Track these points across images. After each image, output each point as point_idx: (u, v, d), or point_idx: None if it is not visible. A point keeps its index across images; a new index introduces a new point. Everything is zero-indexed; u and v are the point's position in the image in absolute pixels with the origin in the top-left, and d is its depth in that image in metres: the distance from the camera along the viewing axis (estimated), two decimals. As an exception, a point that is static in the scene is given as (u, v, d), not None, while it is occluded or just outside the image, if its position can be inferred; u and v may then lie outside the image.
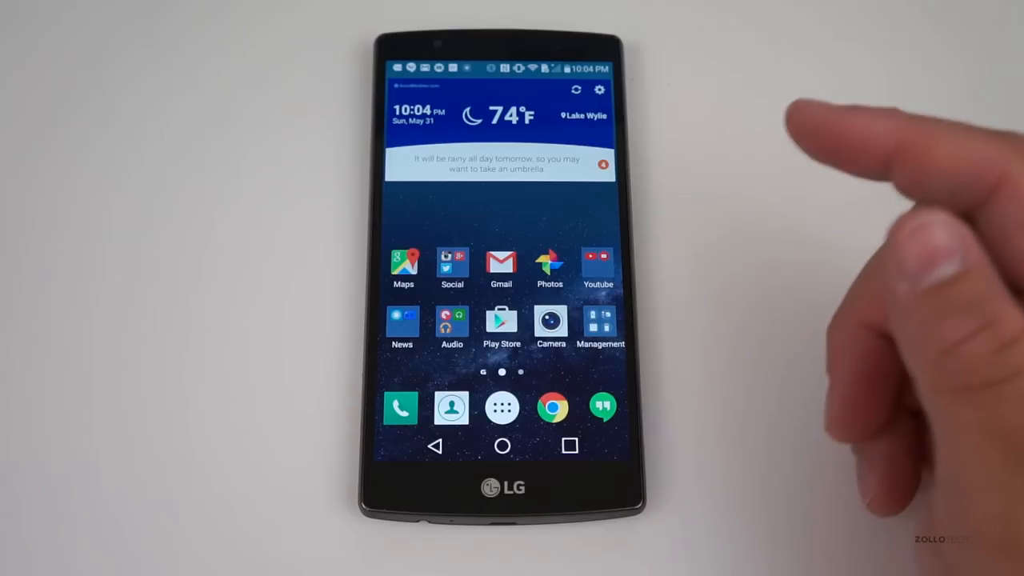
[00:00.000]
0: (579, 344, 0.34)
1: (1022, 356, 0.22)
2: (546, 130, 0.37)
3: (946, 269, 0.23)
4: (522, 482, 0.32)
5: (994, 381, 0.22)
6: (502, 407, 0.33)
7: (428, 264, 0.35)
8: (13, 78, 0.39)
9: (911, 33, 0.41)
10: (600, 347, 0.34)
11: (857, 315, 0.28)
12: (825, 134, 0.25)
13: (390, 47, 0.39)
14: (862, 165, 0.25)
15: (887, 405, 0.29)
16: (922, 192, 0.25)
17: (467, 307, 0.35)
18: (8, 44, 0.40)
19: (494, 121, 0.38)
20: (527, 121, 0.38)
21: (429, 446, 0.33)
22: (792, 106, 0.26)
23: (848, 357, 0.29)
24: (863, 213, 0.37)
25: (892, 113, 0.25)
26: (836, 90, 0.39)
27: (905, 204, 0.26)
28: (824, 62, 0.40)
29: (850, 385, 0.29)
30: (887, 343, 0.27)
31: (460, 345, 0.34)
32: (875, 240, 0.37)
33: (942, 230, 0.23)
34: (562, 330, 0.34)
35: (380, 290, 0.35)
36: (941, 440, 0.24)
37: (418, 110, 0.38)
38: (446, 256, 0.35)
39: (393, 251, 0.35)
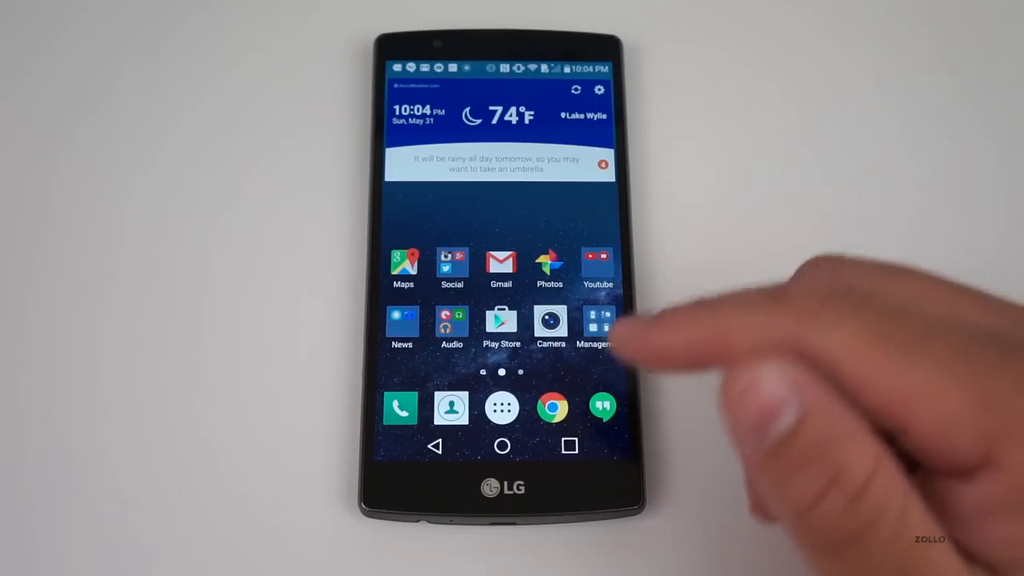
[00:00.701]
0: (579, 344, 0.34)
1: (876, 501, 0.21)
2: (546, 130, 0.37)
3: (782, 424, 0.21)
4: (522, 482, 0.32)
5: (854, 535, 0.21)
6: (502, 407, 0.33)
7: (428, 264, 0.35)
8: (21, 85, 0.39)
9: (910, 33, 0.41)
10: (600, 347, 0.34)
11: None
12: (642, 354, 0.24)
13: (390, 47, 0.39)
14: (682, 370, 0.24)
15: None
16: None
17: (467, 307, 0.35)
18: (14, 51, 0.40)
19: (494, 121, 0.38)
20: (527, 121, 0.38)
21: (429, 446, 0.33)
22: (612, 333, 0.25)
23: None
24: (863, 213, 0.37)
25: (685, 321, 0.24)
26: (835, 90, 0.39)
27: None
28: (824, 62, 0.40)
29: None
30: None
31: (460, 345, 0.34)
32: (875, 240, 0.37)
33: (768, 383, 0.21)
34: (562, 330, 0.34)
35: (380, 290, 0.35)
36: None
37: (418, 110, 0.38)
38: (446, 256, 0.35)
39: (393, 251, 0.35)
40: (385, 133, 0.37)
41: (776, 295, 0.23)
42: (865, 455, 0.21)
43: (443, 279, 0.35)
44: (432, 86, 0.38)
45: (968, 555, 0.22)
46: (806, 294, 0.23)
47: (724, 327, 0.23)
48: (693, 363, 0.24)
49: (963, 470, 0.22)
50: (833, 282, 0.24)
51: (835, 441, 0.21)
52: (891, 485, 0.21)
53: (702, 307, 0.24)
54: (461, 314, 0.35)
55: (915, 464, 0.23)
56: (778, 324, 0.22)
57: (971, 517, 0.22)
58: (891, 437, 0.22)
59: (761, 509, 0.27)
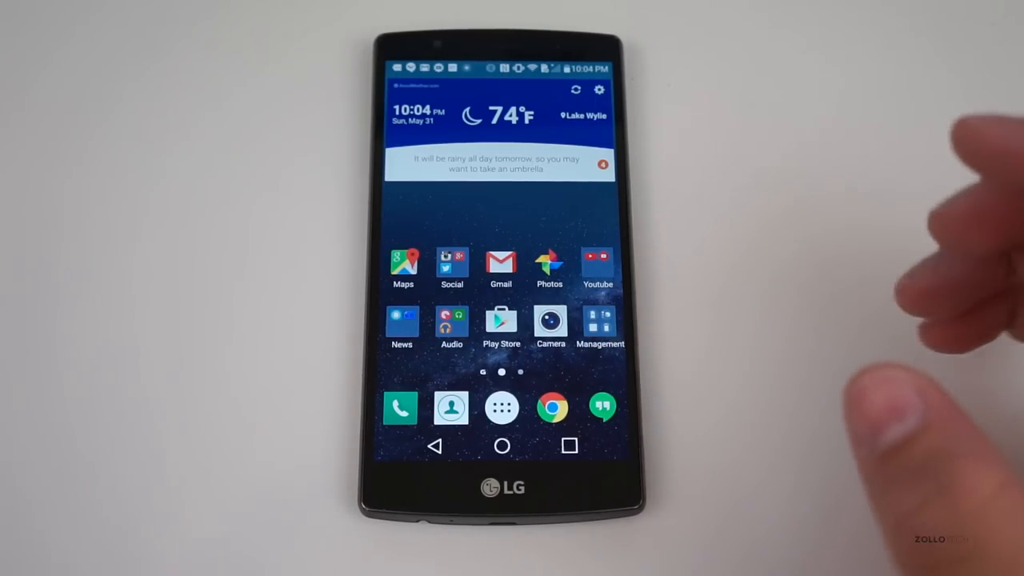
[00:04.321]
0: (579, 344, 0.34)
1: (989, 529, 0.20)
2: (546, 130, 0.37)
3: (901, 429, 0.21)
4: (522, 482, 0.32)
5: (951, 561, 0.20)
6: (502, 407, 0.33)
7: (428, 264, 0.35)
8: (28, 91, 0.39)
9: (912, 33, 0.41)
10: (600, 347, 0.34)
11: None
12: (1008, 159, 0.23)
13: (390, 47, 0.39)
14: None
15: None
16: None
17: (467, 307, 0.35)
18: (23, 57, 0.40)
19: (494, 121, 0.38)
20: (527, 121, 0.38)
21: (429, 446, 0.33)
22: (961, 127, 0.24)
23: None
24: (864, 214, 0.37)
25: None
26: (835, 89, 0.39)
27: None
28: (824, 62, 0.40)
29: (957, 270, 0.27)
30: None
31: (460, 345, 0.34)
32: (875, 240, 0.37)
33: (894, 386, 0.21)
34: (562, 330, 0.34)
35: (380, 290, 0.35)
36: None
37: (418, 110, 0.38)
38: (446, 256, 0.35)
39: (393, 251, 0.35)
40: (385, 133, 0.37)
41: None
42: (986, 478, 0.20)
43: (443, 279, 0.35)
44: (432, 86, 0.38)
45: None
46: None
47: None
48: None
49: None
50: None
51: (954, 457, 0.20)
52: (1016, 518, 0.20)
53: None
54: (461, 314, 0.35)
55: None
56: None
57: None
58: None
59: (930, 301, 0.28)
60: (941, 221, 0.26)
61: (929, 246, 0.29)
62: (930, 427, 0.21)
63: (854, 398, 0.22)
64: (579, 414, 0.33)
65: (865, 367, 0.22)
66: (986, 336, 0.31)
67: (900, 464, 0.21)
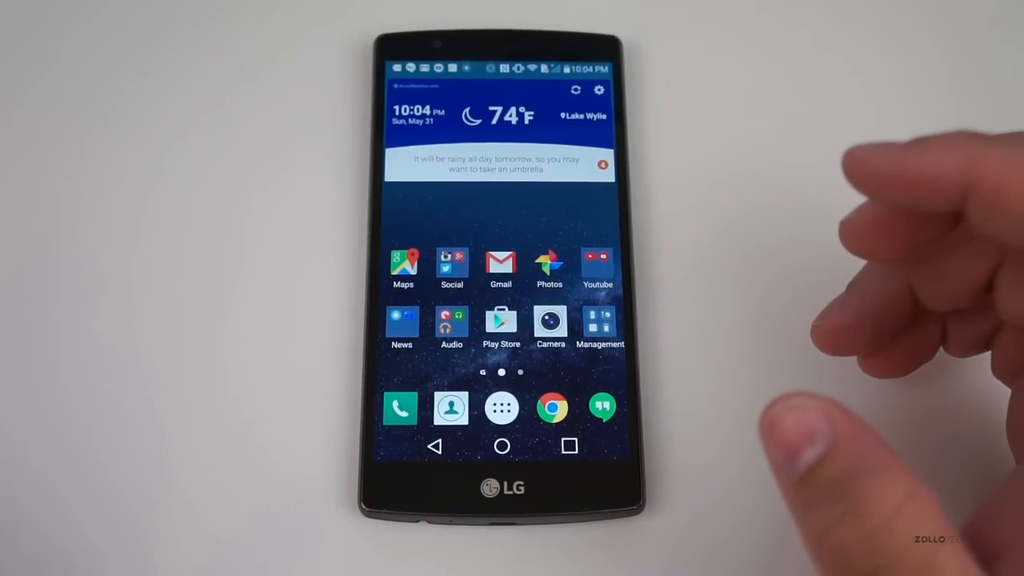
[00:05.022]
0: (579, 344, 0.34)
1: (900, 540, 0.20)
2: (546, 130, 0.37)
3: (810, 454, 0.22)
4: (521, 482, 0.32)
5: (872, 572, 0.21)
6: (502, 407, 0.33)
7: (428, 264, 0.35)
8: (26, 92, 0.39)
9: (912, 33, 0.41)
10: (600, 347, 0.34)
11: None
12: (893, 184, 0.24)
13: (390, 47, 0.39)
14: (933, 207, 0.24)
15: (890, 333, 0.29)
16: (994, 233, 0.24)
17: (467, 307, 0.35)
18: (20, 59, 0.40)
19: (494, 121, 0.38)
20: (527, 121, 0.38)
21: (429, 446, 0.33)
22: (849, 157, 0.25)
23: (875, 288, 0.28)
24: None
25: (962, 144, 0.24)
26: (835, 90, 0.39)
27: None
28: (824, 62, 0.40)
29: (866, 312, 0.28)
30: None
31: (460, 345, 0.34)
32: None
33: (801, 413, 0.22)
34: (562, 330, 0.34)
35: (380, 290, 0.35)
36: None
37: (418, 110, 0.38)
38: (446, 256, 0.35)
39: (393, 251, 0.35)
40: (385, 133, 0.37)
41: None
42: (892, 491, 0.21)
43: (443, 279, 0.35)
44: (432, 86, 0.38)
45: None
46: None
47: (1004, 167, 0.23)
48: (953, 201, 0.24)
49: None
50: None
51: (860, 474, 0.21)
52: (923, 525, 0.21)
53: (976, 140, 0.24)
54: (461, 314, 0.35)
55: None
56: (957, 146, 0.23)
57: None
58: None
59: (841, 341, 0.30)
60: (849, 231, 0.28)
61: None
62: (837, 448, 0.22)
63: (768, 427, 0.22)
64: (579, 414, 0.33)
65: (776, 398, 0.23)
66: (921, 358, 0.32)
67: (814, 486, 0.22)
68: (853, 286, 0.31)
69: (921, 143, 0.24)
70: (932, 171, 0.23)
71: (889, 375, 0.32)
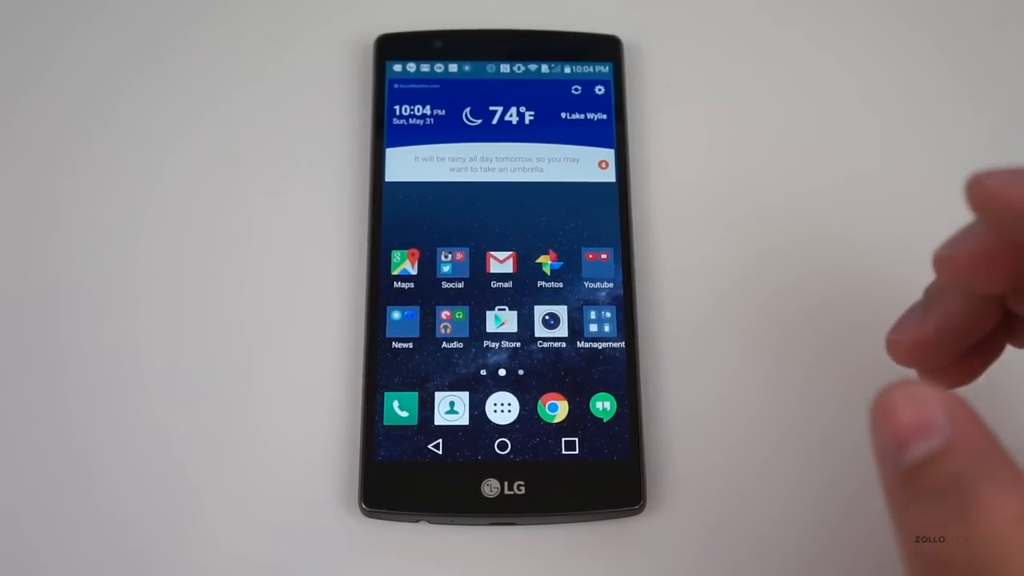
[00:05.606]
0: (579, 344, 0.34)
1: (1007, 556, 0.19)
2: (546, 130, 0.37)
3: (925, 447, 0.20)
4: (522, 482, 0.32)
5: None
6: (502, 407, 0.33)
7: (428, 264, 0.35)
8: (25, 92, 0.39)
9: (913, 34, 0.41)
10: (600, 347, 0.34)
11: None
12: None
13: (390, 47, 0.39)
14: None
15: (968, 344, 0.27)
16: None
17: (467, 307, 0.35)
18: (20, 59, 0.40)
19: (494, 121, 0.38)
20: (527, 121, 0.38)
21: (429, 446, 0.33)
22: (979, 189, 0.23)
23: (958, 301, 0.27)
24: (865, 214, 0.37)
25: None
26: (835, 90, 0.39)
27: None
28: (825, 61, 0.40)
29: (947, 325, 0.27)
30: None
31: (460, 345, 0.34)
32: (875, 241, 0.37)
33: (921, 403, 0.21)
34: (562, 330, 0.34)
35: (380, 290, 0.35)
36: None
37: (418, 110, 0.38)
38: (446, 256, 0.35)
39: (393, 251, 0.35)
40: (385, 133, 0.37)
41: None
42: (1009, 504, 0.19)
43: (443, 279, 0.35)
44: (432, 86, 0.38)
45: None
46: None
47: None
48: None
49: None
50: None
51: (976, 480, 0.20)
52: None
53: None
54: (461, 314, 0.35)
55: None
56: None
57: None
58: None
59: (920, 353, 0.28)
60: (948, 265, 0.26)
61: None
62: (955, 447, 0.20)
63: (881, 412, 0.21)
64: (579, 414, 0.33)
65: (893, 382, 0.21)
66: (991, 359, 0.29)
67: (923, 483, 0.20)
68: (934, 295, 0.28)
69: None
70: None
71: (962, 384, 0.29)
